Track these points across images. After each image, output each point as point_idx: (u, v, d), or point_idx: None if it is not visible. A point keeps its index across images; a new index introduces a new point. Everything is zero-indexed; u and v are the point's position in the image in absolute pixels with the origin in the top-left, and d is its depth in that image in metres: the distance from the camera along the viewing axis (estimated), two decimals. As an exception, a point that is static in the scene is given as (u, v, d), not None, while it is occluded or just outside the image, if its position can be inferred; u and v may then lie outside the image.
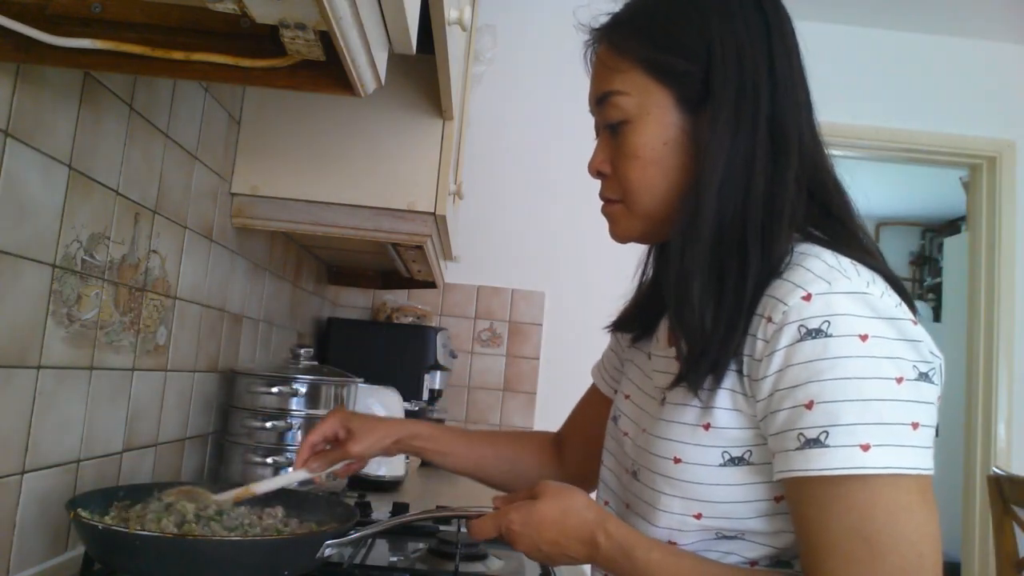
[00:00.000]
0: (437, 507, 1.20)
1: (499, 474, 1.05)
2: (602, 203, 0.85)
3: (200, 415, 1.34)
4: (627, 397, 0.90)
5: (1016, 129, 2.95)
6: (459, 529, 1.16)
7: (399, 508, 1.30)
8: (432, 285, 2.22)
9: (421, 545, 1.14)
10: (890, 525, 0.63)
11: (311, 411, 1.34)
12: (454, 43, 1.14)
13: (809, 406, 0.65)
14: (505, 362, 2.64)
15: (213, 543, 0.79)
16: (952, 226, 5.40)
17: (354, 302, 2.61)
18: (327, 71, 0.73)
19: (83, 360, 0.93)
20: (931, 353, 0.67)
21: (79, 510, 0.78)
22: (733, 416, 0.72)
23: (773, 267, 0.71)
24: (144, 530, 0.80)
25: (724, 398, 0.72)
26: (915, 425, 0.64)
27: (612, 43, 0.81)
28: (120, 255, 1.00)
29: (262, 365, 1.51)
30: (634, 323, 0.93)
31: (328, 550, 0.81)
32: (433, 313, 2.60)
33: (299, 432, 1.32)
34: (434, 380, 2.22)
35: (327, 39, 0.67)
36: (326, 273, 2.34)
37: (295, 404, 1.33)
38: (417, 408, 2.10)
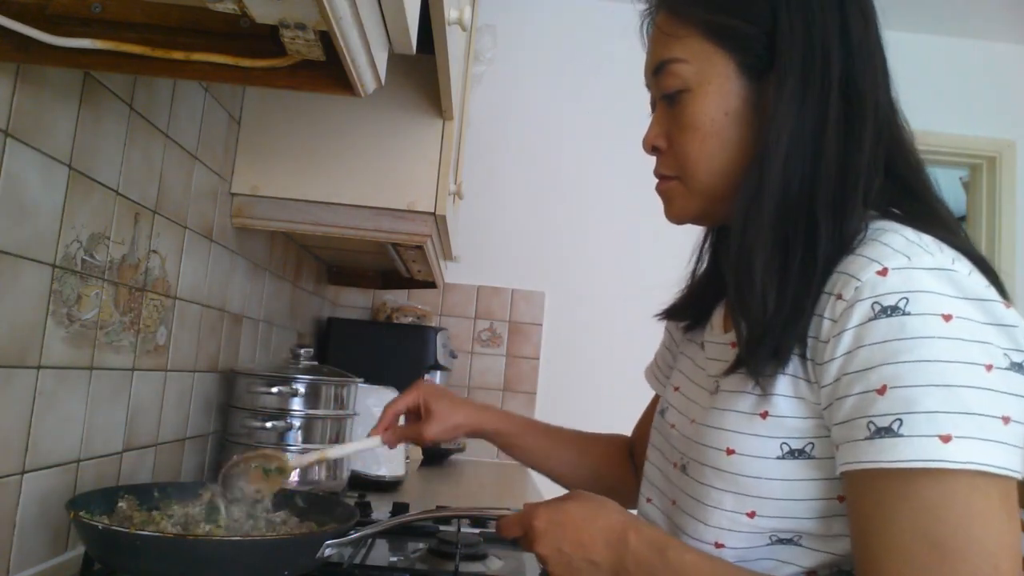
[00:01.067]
0: (437, 507, 1.20)
1: (577, 479, 1.03)
2: (656, 181, 0.79)
3: (200, 415, 1.34)
4: (676, 389, 0.86)
5: (1016, 129, 2.95)
6: (459, 529, 1.16)
7: (399, 508, 1.30)
8: (432, 285, 2.22)
9: (421, 545, 1.14)
10: (964, 529, 0.56)
11: (311, 411, 1.34)
12: (454, 43, 1.14)
13: (882, 391, 0.58)
14: (505, 362, 2.63)
15: (213, 543, 0.79)
16: (952, 226, 5.39)
17: (354, 302, 2.61)
18: (327, 71, 0.73)
19: (83, 360, 0.93)
20: None
21: (81, 512, 0.78)
22: (794, 404, 0.65)
23: (845, 244, 0.65)
24: (144, 530, 0.80)
25: (785, 384, 0.66)
26: (1006, 419, 0.57)
27: (671, 8, 0.75)
28: (120, 255, 1.00)
29: (262, 365, 1.51)
30: (687, 311, 0.88)
31: (328, 550, 0.81)
32: (433, 313, 2.60)
33: (299, 432, 1.32)
34: (434, 380, 2.22)
35: (327, 39, 0.67)
36: (326, 273, 2.34)
37: (295, 404, 1.33)
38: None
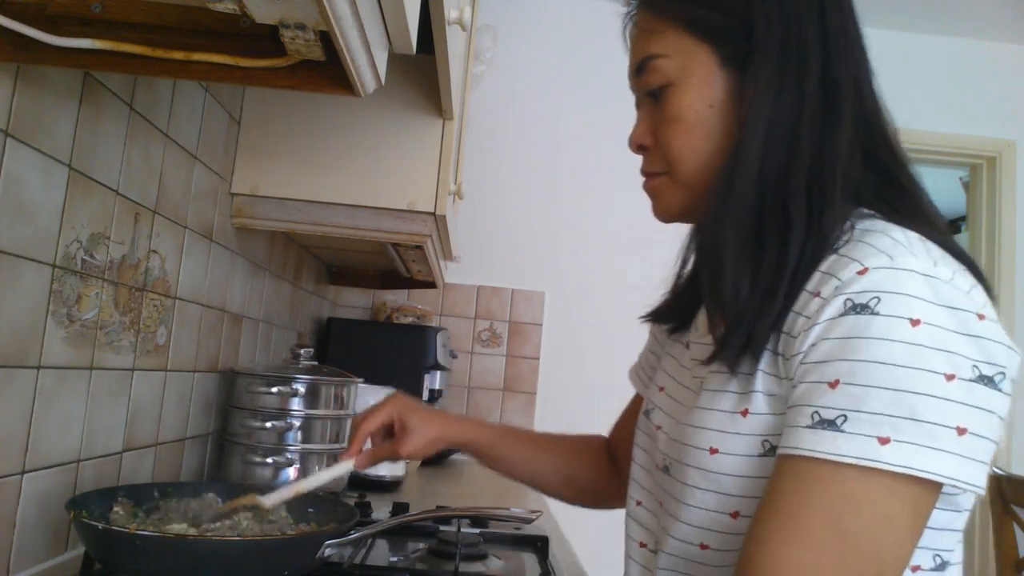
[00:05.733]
0: (437, 507, 1.20)
1: (555, 484, 1.03)
2: (643, 180, 0.79)
3: (200, 415, 1.34)
4: (661, 389, 0.85)
5: (1016, 129, 2.95)
6: (459, 529, 1.16)
7: (399, 508, 1.30)
8: (432, 285, 2.22)
9: (421, 545, 1.14)
10: (873, 529, 0.57)
11: (311, 411, 1.34)
12: (454, 43, 1.14)
13: (833, 385, 0.59)
14: (505, 362, 2.63)
15: (213, 543, 0.79)
16: (952, 226, 5.39)
17: (354, 302, 2.61)
18: (327, 71, 0.73)
19: (83, 360, 0.93)
20: (1002, 354, 0.59)
21: (81, 512, 0.78)
22: (771, 401, 0.65)
23: (825, 238, 0.65)
24: (144, 530, 0.80)
25: (762, 381, 0.66)
26: (961, 431, 0.56)
27: (649, 5, 0.76)
28: (120, 255, 1.00)
29: (262, 365, 1.51)
30: (671, 314, 0.88)
31: (328, 550, 0.81)
32: (433, 313, 2.60)
33: (299, 432, 1.32)
34: (434, 380, 2.22)
35: (327, 39, 0.67)
36: (326, 273, 2.34)
37: (295, 404, 1.33)
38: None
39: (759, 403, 0.66)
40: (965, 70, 2.94)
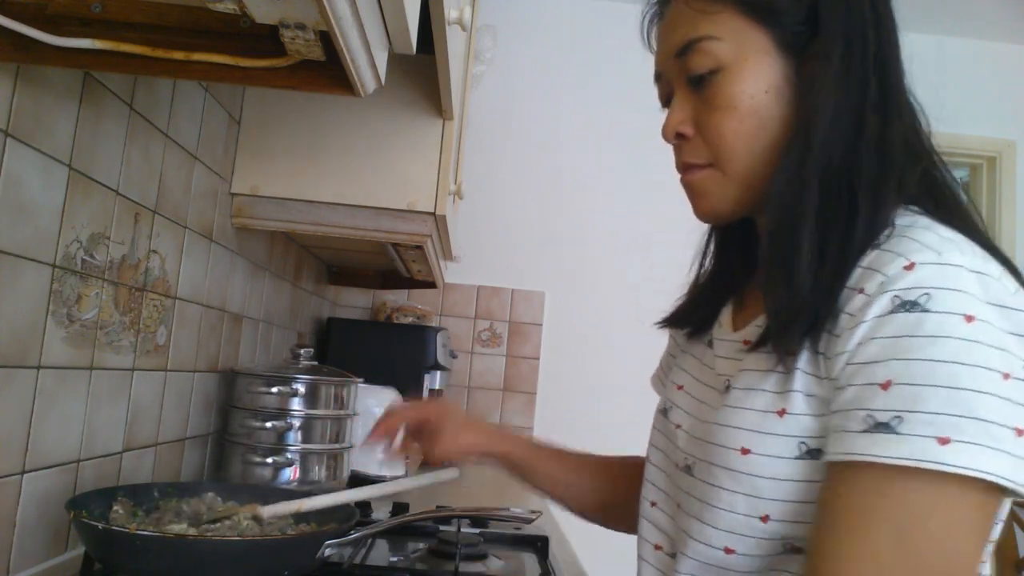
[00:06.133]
0: (437, 507, 1.20)
1: (591, 507, 1.00)
2: (682, 174, 0.75)
3: (200, 415, 1.34)
4: (680, 388, 0.82)
5: (1016, 129, 2.95)
6: (459, 529, 1.16)
7: (399, 508, 1.30)
8: (432, 285, 2.22)
9: (421, 545, 1.14)
10: (939, 540, 0.54)
11: (311, 411, 1.34)
12: (454, 43, 1.14)
13: (886, 386, 0.56)
14: (505, 362, 2.63)
15: (213, 543, 0.79)
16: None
17: (354, 302, 2.61)
18: (327, 71, 0.73)
19: (83, 360, 0.93)
20: None
21: (81, 512, 0.78)
22: (810, 402, 0.62)
23: (875, 232, 0.62)
24: (144, 530, 0.80)
25: (801, 381, 0.63)
26: (1019, 431, 0.54)
27: None
28: (120, 255, 1.00)
29: (262, 365, 1.51)
30: (690, 318, 0.85)
31: (328, 550, 0.81)
32: (433, 313, 2.60)
33: (299, 432, 1.32)
34: (434, 380, 2.22)
35: (327, 39, 0.67)
36: (326, 273, 2.34)
37: (295, 404, 1.33)
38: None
39: (797, 403, 0.63)
40: (965, 70, 2.94)
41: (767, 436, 0.64)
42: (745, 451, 0.65)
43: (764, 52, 0.69)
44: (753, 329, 0.73)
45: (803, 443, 0.62)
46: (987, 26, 2.90)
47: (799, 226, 0.65)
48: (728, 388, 0.71)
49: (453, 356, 2.43)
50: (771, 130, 0.69)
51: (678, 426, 0.79)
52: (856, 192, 0.64)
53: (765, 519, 0.64)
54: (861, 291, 0.60)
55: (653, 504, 0.81)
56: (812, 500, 0.62)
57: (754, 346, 0.67)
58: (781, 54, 0.69)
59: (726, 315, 0.80)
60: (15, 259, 0.78)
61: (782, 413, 0.64)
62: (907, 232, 0.61)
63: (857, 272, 0.62)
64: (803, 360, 0.63)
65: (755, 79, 0.69)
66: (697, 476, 0.71)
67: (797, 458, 0.63)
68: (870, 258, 0.61)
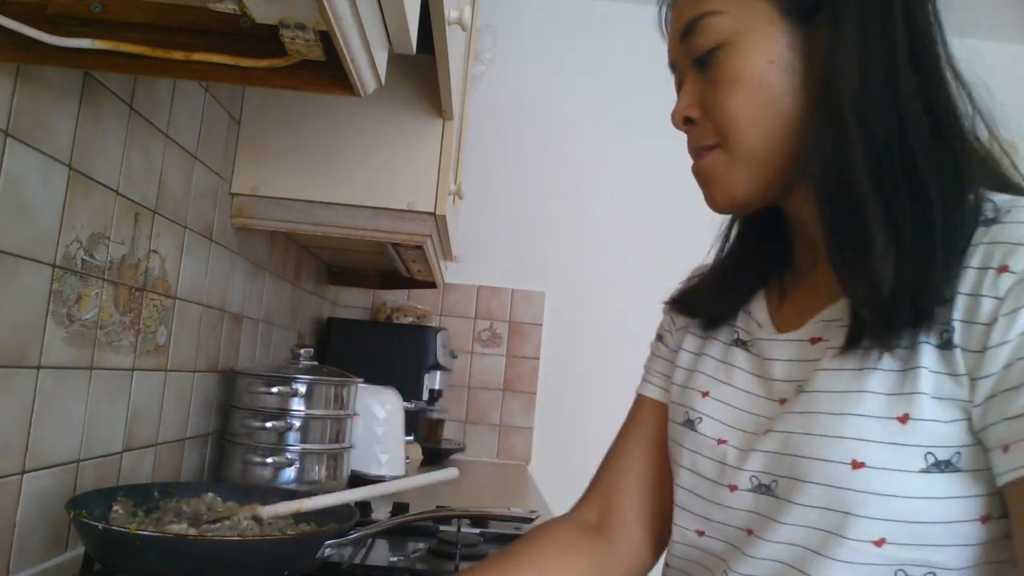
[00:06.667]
0: (437, 507, 1.20)
1: None
2: (693, 161, 0.70)
3: (200, 415, 1.34)
4: (705, 395, 0.73)
5: (1016, 129, 2.96)
6: (459, 529, 1.16)
7: (399, 508, 1.30)
8: (432, 285, 2.22)
9: (421, 545, 1.14)
10: None
11: (311, 411, 1.34)
12: (454, 43, 1.14)
13: None
14: (505, 362, 2.63)
15: (213, 543, 0.79)
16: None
17: (354, 302, 2.61)
18: (327, 71, 0.73)
19: (83, 360, 0.93)
20: None
21: (81, 512, 0.78)
22: (937, 405, 0.54)
23: (969, 200, 0.56)
24: (144, 530, 0.80)
25: (929, 381, 0.55)
26: None
27: None
28: (120, 255, 1.00)
29: (262, 365, 1.51)
30: (707, 307, 0.77)
31: (328, 550, 0.81)
32: (433, 313, 2.60)
33: (299, 432, 1.32)
34: (434, 380, 2.22)
35: (327, 39, 0.67)
36: (326, 273, 2.34)
37: (295, 404, 1.33)
38: (417, 408, 2.10)
39: (924, 407, 0.55)
40: (965, 70, 2.95)
41: (887, 446, 0.55)
42: (857, 464, 0.56)
43: (768, 21, 0.64)
44: (818, 326, 0.66)
45: (930, 453, 0.54)
46: (988, 26, 2.90)
47: (864, 210, 0.58)
48: (801, 392, 0.63)
49: (453, 356, 2.43)
50: (782, 104, 0.63)
51: (722, 440, 0.69)
52: (916, 156, 0.58)
53: (880, 543, 0.55)
54: (1003, 269, 0.53)
55: (701, 533, 0.70)
56: (936, 519, 0.55)
57: (848, 344, 0.59)
58: (787, 22, 0.64)
59: (761, 312, 0.73)
60: (15, 259, 0.78)
61: (905, 419, 0.55)
62: (1019, 202, 0.56)
63: (980, 250, 0.55)
64: (928, 356, 0.55)
65: (761, 50, 0.64)
66: (782, 496, 0.61)
67: (923, 471, 0.54)
68: (992, 232, 0.55)
